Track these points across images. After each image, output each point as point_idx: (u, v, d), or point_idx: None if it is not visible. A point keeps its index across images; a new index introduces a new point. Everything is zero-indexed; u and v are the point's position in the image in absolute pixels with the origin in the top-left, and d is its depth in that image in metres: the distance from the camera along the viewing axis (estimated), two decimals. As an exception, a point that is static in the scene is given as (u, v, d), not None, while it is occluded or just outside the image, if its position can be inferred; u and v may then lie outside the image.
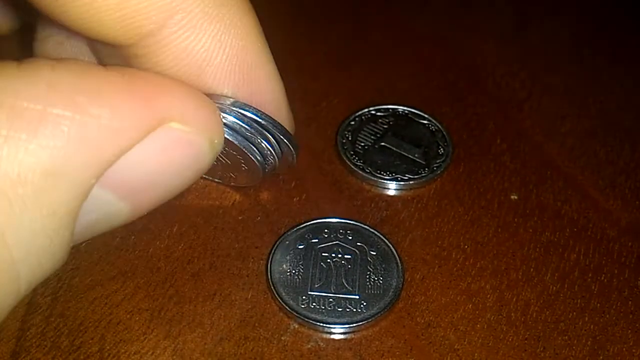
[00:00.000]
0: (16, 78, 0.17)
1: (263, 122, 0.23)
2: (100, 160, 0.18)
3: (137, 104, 0.18)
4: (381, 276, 0.26)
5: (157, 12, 0.18)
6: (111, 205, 0.19)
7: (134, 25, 0.19)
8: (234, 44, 0.21)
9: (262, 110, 0.23)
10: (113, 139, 0.18)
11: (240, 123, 0.22)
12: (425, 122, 0.31)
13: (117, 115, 0.18)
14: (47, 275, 0.18)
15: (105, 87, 0.18)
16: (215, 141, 0.20)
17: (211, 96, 0.21)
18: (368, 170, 0.29)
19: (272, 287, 0.25)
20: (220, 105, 0.22)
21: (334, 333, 0.24)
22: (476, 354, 0.24)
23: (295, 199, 0.28)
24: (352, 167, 0.29)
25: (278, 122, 0.23)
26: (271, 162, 0.24)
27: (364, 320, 0.24)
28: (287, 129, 0.24)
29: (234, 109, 0.22)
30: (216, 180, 0.28)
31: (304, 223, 0.27)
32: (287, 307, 0.24)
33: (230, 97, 0.22)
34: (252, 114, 0.22)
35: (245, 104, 0.22)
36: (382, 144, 0.30)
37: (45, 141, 0.16)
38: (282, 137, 0.24)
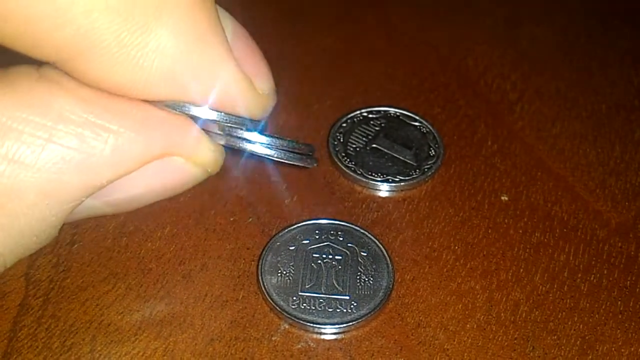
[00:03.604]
0: (28, 102, 0.17)
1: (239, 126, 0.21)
2: (95, 185, 0.19)
3: (142, 140, 0.19)
4: (371, 277, 0.26)
5: (60, 46, 0.17)
6: (97, 209, 0.21)
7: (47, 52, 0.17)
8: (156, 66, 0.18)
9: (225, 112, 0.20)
10: (112, 169, 0.18)
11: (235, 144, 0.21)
12: (416, 123, 0.32)
13: (120, 150, 0.18)
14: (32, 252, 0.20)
15: (115, 120, 0.18)
16: (209, 170, 0.21)
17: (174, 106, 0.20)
18: (359, 172, 0.29)
19: (263, 288, 0.25)
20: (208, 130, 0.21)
21: (325, 333, 0.25)
22: (466, 354, 0.24)
23: (286, 201, 0.29)
24: (344, 168, 0.29)
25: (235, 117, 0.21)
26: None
27: (354, 321, 0.24)
28: (253, 108, 0.21)
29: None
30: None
31: (295, 224, 0.27)
32: (277, 308, 0.25)
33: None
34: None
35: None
36: (374, 145, 0.31)
37: (45, 167, 0.17)
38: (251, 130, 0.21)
